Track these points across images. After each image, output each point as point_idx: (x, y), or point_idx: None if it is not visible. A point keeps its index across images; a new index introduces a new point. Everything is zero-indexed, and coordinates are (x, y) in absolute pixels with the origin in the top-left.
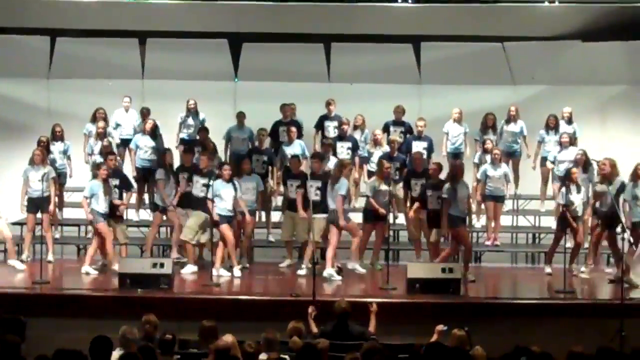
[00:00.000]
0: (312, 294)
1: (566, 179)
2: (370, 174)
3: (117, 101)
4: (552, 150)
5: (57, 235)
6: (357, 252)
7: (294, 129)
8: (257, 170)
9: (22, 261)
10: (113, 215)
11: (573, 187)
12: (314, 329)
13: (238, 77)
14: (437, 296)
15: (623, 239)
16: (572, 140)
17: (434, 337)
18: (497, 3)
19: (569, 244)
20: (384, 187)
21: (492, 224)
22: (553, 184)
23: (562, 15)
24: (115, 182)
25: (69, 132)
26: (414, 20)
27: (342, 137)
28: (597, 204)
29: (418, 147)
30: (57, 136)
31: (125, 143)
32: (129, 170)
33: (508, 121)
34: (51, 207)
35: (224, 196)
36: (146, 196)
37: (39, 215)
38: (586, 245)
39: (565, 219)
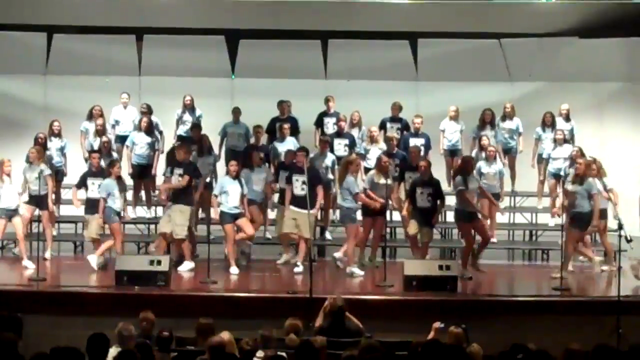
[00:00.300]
0: (309, 291)
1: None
2: (367, 171)
3: (114, 98)
4: (547, 148)
5: (54, 232)
6: (353, 257)
7: (286, 125)
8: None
9: (14, 254)
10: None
11: None
12: (319, 322)
13: (235, 73)
14: (434, 293)
15: (620, 235)
16: (570, 138)
17: (431, 335)
18: (493, 0)
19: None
20: (382, 180)
21: (488, 222)
22: (547, 181)
23: (559, 12)
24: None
25: (66, 128)
26: (411, 17)
27: (339, 133)
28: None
29: (415, 144)
30: (54, 133)
31: (123, 140)
32: (125, 167)
33: (504, 118)
34: (50, 204)
35: (231, 192)
36: (142, 193)
37: (36, 212)
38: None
39: None
